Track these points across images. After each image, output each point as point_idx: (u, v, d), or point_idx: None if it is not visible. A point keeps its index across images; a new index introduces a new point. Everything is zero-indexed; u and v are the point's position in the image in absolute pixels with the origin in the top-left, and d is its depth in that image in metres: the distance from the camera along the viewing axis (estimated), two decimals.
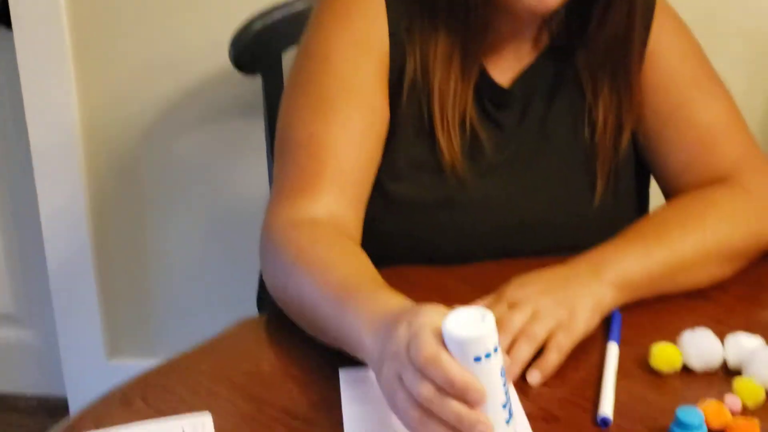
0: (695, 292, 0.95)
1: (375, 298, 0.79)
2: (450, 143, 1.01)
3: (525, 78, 1.05)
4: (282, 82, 1.32)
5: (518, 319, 0.83)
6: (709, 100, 1.05)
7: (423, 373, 0.66)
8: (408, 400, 0.67)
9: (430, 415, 0.66)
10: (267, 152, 1.37)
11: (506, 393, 0.66)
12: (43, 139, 1.74)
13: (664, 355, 0.82)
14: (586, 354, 0.85)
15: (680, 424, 0.72)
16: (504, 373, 0.66)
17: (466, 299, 0.90)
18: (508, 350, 0.82)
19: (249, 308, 1.29)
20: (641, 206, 1.13)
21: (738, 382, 0.78)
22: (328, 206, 0.95)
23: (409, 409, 0.67)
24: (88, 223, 1.80)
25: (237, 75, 1.36)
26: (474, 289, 0.95)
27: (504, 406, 0.66)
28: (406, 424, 0.69)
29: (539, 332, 0.83)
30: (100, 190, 1.79)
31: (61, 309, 1.86)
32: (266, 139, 1.36)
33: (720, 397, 0.77)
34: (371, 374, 0.75)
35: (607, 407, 0.76)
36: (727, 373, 0.82)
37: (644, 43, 1.04)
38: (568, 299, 0.86)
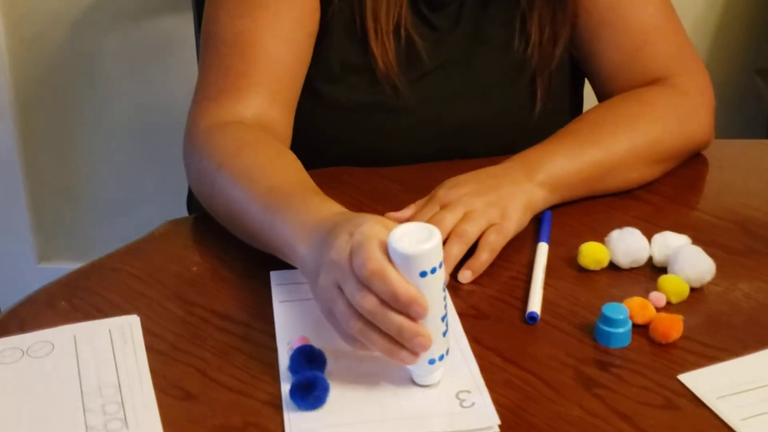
0: (625, 192, 0.96)
1: (307, 205, 0.78)
2: (384, 52, 0.98)
3: None
4: None
5: (450, 219, 0.83)
6: (643, 1, 1.04)
7: (367, 286, 0.65)
8: (348, 311, 0.66)
9: (371, 326, 0.66)
10: (196, 48, 1.33)
11: (445, 306, 0.67)
12: None
13: (591, 253, 0.83)
14: (516, 253, 0.85)
15: (605, 319, 0.73)
16: (445, 287, 0.67)
17: (399, 200, 0.90)
18: None
19: (183, 210, 1.27)
20: (576, 111, 1.12)
21: (663, 279, 0.80)
22: (255, 108, 0.92)
23: (349, 320, 0.66)
24: (14, 123, 1.75)
25: None
26: (407, 189, 0.95)
27: (442, 319, 0.67)
28: (342, 333, 0.68)
29: (471, 232, 0.83)
30: (26, 86, 1.73)
31: None
32: (195, 35, 1.32)
33: (646, 294, 0.78)
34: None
35: (535, 304, 0.78)
36: (653, 271, 0.83)
37: None
38: (500, 199, 0.86)
